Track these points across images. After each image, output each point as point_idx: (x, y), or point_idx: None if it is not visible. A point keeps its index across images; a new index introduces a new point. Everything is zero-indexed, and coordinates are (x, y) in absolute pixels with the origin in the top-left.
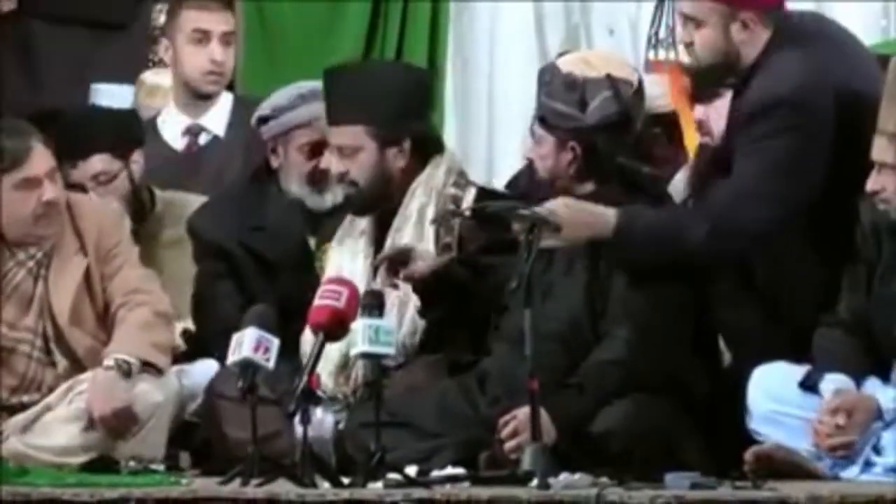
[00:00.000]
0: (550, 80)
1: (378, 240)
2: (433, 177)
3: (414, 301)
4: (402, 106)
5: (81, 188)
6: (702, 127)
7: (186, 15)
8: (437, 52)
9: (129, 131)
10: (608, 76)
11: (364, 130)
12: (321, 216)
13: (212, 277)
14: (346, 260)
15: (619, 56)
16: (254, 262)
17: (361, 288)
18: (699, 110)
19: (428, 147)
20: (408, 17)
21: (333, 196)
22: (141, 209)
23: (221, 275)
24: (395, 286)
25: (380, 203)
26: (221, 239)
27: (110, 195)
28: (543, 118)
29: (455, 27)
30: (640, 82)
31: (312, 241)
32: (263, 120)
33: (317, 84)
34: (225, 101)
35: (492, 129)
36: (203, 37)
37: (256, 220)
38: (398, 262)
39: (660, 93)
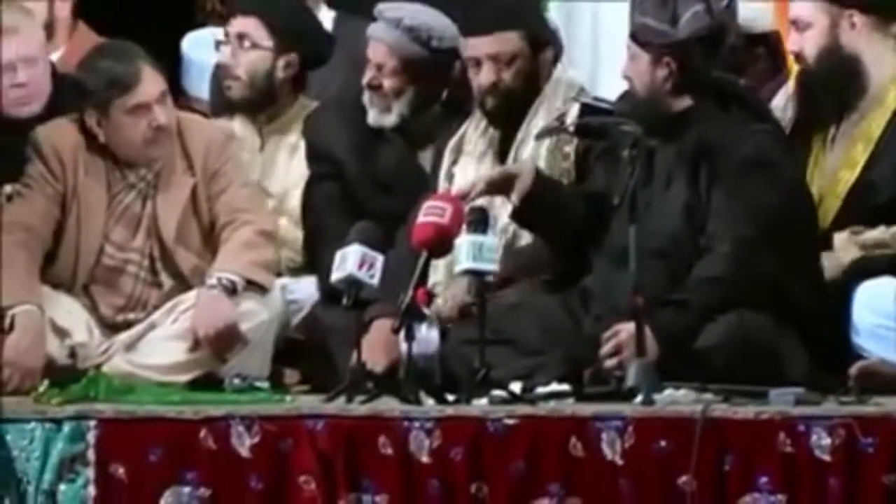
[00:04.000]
0: None
1: (501, 153)
2: (554, 96)
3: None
4: (540, 11)
5: (224, 41)
6: (798, 57)
7: None
8: None
9: (304, 36)
10: None
11: (519, 36)
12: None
13: (320, 179)
14: (471, 170)
15: None
16: (367, 175)
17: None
18: (794, 41)
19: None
20: None
21: (375, 114)
22: (257, 102)
23: (329, 177)
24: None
25: (522, 112)
26: (334, 147)
27: (239, 60)
28: (635, 34)
29: None
30: None
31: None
32: None
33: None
34: (326, 18)
35: (596, 44)
36: None
37: (369, 133)
38: (499, 188)
39: (759, 12)
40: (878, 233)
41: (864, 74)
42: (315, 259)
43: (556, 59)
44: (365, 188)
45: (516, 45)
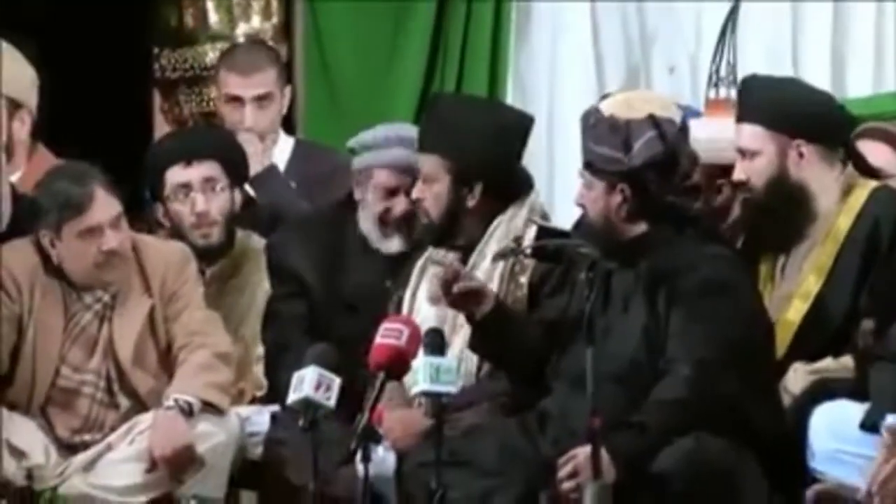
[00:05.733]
0: (595, 124)
1: None
2: (514, 219)
3: (463, 333)
4: (483, 147)
5: (188, 188)
6: (744, 185)
7: (222, 77)
8: (496, 94)
9: (245, 167)
10: (651, 116)
11: (440, 162)
12: (398, 260)
13: (285, 297)
14: (424, 294)
15: (660, 96)
16: (331, 296)
17: (435, 324)
18: (740, 169)
19: (511, 188)
20: (466, 56)
21: (400, 242)
22: (227, 243)
23: (294, 295)
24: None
25: (450, 237)
26: (300, 267)
27: (212, 204)
28: (590, 163)
29: (515, 69)
30: (684, 120)
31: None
32: (350, 152)
33: (409, 129)
34: (285, 145)
35: (551, 171)
36: (237, 102)
37: (336, 253)
38: (451, 278)
39: (728, 142)
40: (826, 363)
41: (813, 203)
42: (275, 377)
43: (512, 196)
44: (330, 308)
45: (436, 170)
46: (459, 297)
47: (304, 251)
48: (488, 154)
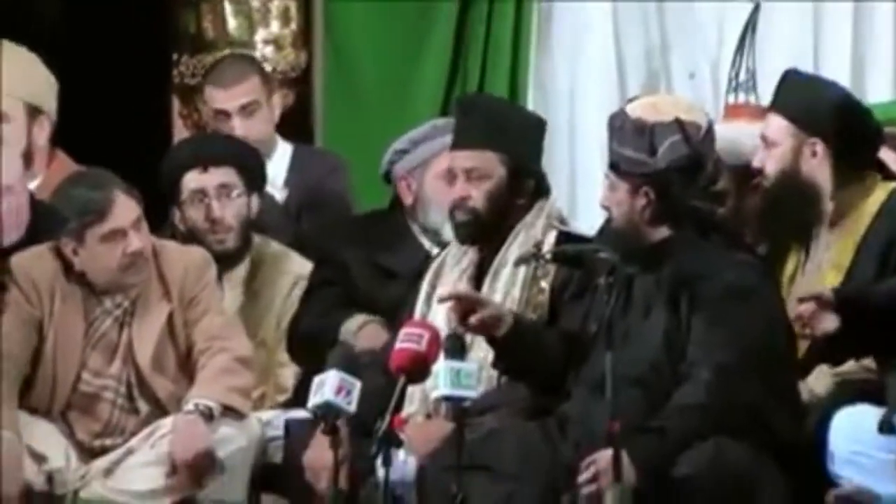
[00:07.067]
0: (621, 126)
1: (477, 277)
2: (534, 225)
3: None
4: (534, 146)
5: (203, 194)
6: (760, 173)
7: (207, 93)
8: (517, 98)
9: (262, 173)
10: (676, 120)
11: (498, 158)
12: None
13: (322, 283)
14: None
15: (687, 100)
16: (377, 273)
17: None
18: (759, 157)
19: (541, 190)
20: (488, 62)
21: None
22: (243, 249)
23: (333, 282)
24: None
25: (492, 235)
26: (344, 254)
27: (227, 211)
28: (615, 165)
29: (536, 73)
30: (710, 125)
31: None
32: (400, 153)
33: (447, 119)
34: (283, 152)
35: (573, 175)
36: (223, 115)
37: (384, 246)
38: (466, 309)
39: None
40: (848, 367)
41: (822, 203)
42: (294, 329)
43: (540, 193)
44: (372, 283)
45: (492, 166)
46: (478, 324)
47: (349, 242)
48: (536, 150)
